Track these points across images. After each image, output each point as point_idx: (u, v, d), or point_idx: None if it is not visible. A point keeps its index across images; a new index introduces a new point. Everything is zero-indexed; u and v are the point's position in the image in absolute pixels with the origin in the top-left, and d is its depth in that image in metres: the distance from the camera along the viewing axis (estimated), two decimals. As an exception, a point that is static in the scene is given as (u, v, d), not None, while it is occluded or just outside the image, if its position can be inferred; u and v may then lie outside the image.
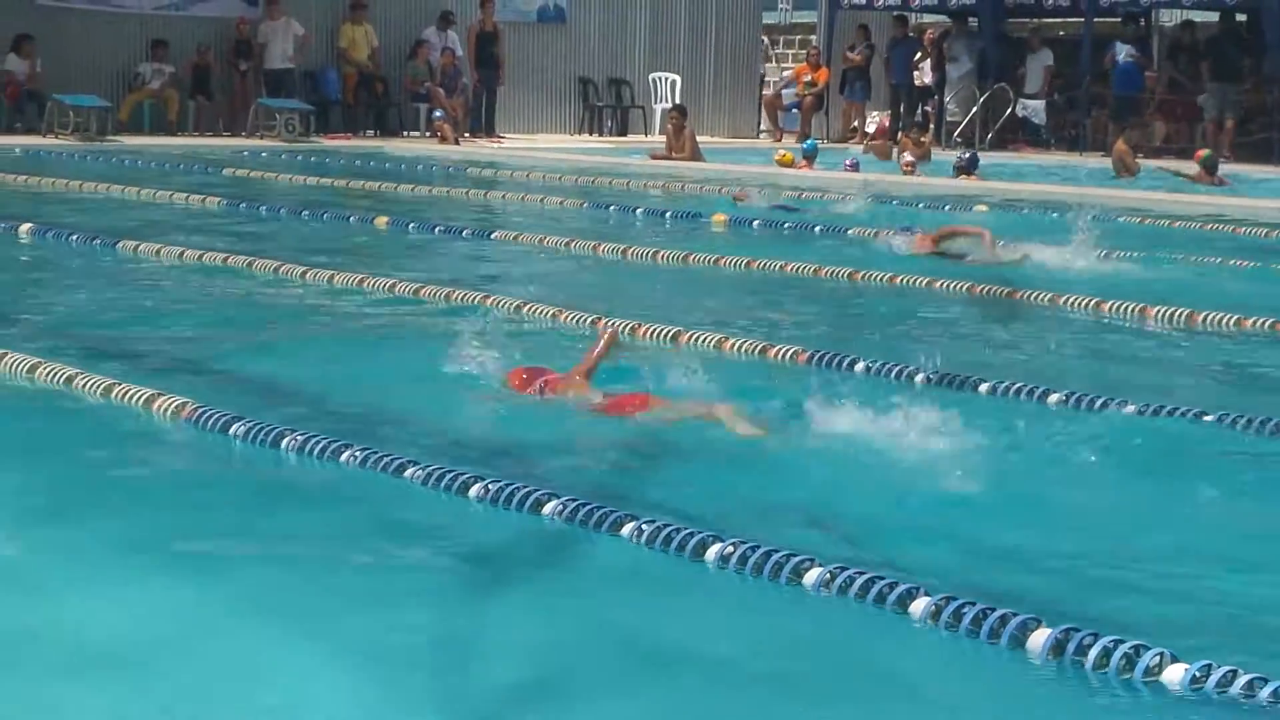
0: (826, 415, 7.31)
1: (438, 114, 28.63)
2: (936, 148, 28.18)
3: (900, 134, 28.30)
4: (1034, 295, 11.79)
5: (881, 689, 4.74)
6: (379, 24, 30.22)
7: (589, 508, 5.85)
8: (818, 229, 16.57)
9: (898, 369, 8.71)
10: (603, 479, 6.73)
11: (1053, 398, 8.17)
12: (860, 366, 8.86)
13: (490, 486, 6.12)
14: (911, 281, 12.32)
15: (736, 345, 9.41)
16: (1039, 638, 4.79)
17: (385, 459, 6.51)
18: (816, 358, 9.06)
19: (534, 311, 10.34)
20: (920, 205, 19.23)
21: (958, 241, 14.56)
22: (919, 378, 8.49)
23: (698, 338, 9.58)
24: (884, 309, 11.87)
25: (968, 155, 23.81)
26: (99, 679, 4.54)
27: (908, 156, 24.17)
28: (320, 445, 6.74)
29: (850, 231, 16.13)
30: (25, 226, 14.03)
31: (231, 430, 7.03)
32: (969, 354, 9.67)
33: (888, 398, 7.41)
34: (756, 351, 9.30)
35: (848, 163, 24.48)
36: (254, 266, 12.13)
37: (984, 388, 8.39)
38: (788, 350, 9.23)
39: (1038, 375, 8.67)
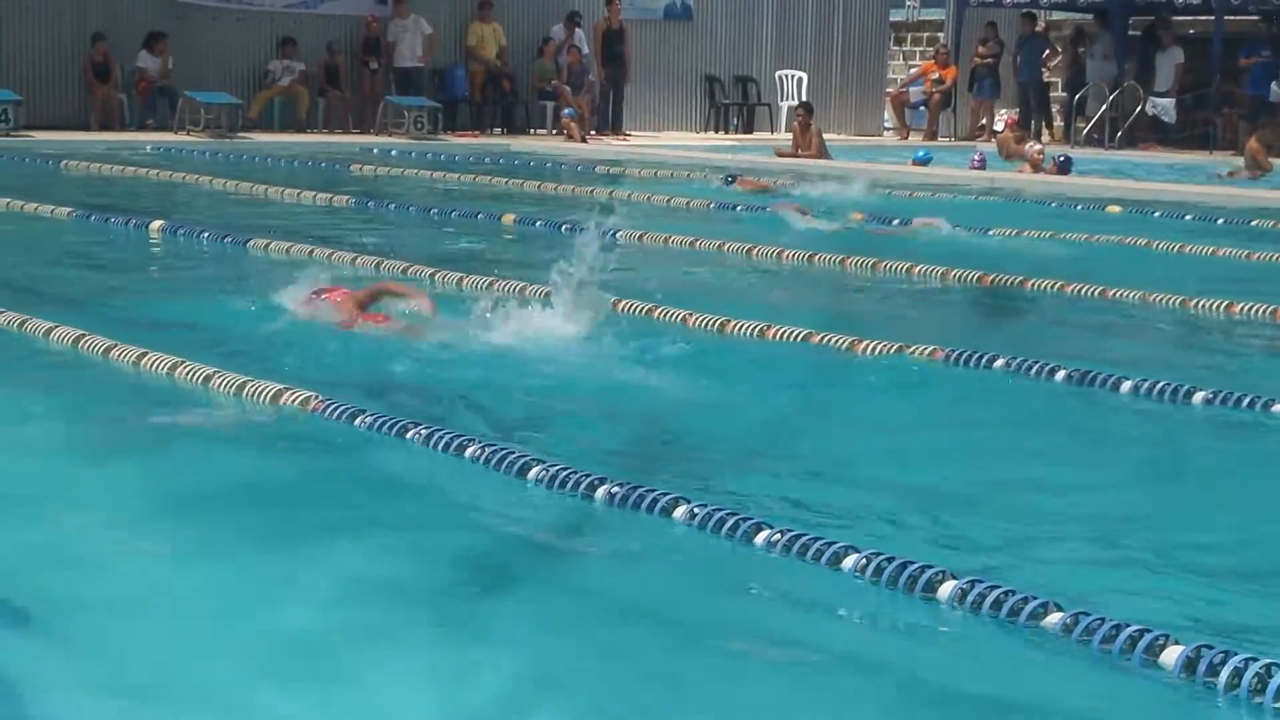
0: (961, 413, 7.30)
1: (567, 111, 28.69)
2: (1064, 146, 27.94)
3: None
4: (1162, 298, 11.69)
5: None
6: (506, 22, 30.34)
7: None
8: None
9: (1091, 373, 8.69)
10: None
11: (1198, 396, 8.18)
12: (1000, 363, 8.83)
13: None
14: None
15: (869, 347, 9.39)
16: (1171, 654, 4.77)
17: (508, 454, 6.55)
18: (954, 357, 9.03)
19: (664, 315, 10.33)
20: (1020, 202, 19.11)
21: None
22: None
23: (829, 339, 9.57)
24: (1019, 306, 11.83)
25: (1062, 158, 23.61)
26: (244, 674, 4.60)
27: (1036, 146, 24.07)
28: (446, 440, 6.79)
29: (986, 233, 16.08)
30: (156, 224, 14.17)
31: (356, 422, 7.13)
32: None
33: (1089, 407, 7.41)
34: (892, 351, 9.27)
35: (975, 158, 24.35)
36: (381, 267, 12.18)
37: (1126, 386, 8.37)
38: (924, 349, 9.19)
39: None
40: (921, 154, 25.46)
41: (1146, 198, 20.12)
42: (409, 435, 6.92)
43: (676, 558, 5.76)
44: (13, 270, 11.74)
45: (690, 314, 10.20)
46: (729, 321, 9.97)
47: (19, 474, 6.59)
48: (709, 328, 10.00)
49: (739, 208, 18.12)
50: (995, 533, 6.17)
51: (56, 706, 4.35)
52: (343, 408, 7.29)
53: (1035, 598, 5.01)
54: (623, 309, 10.46)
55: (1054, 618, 4.92)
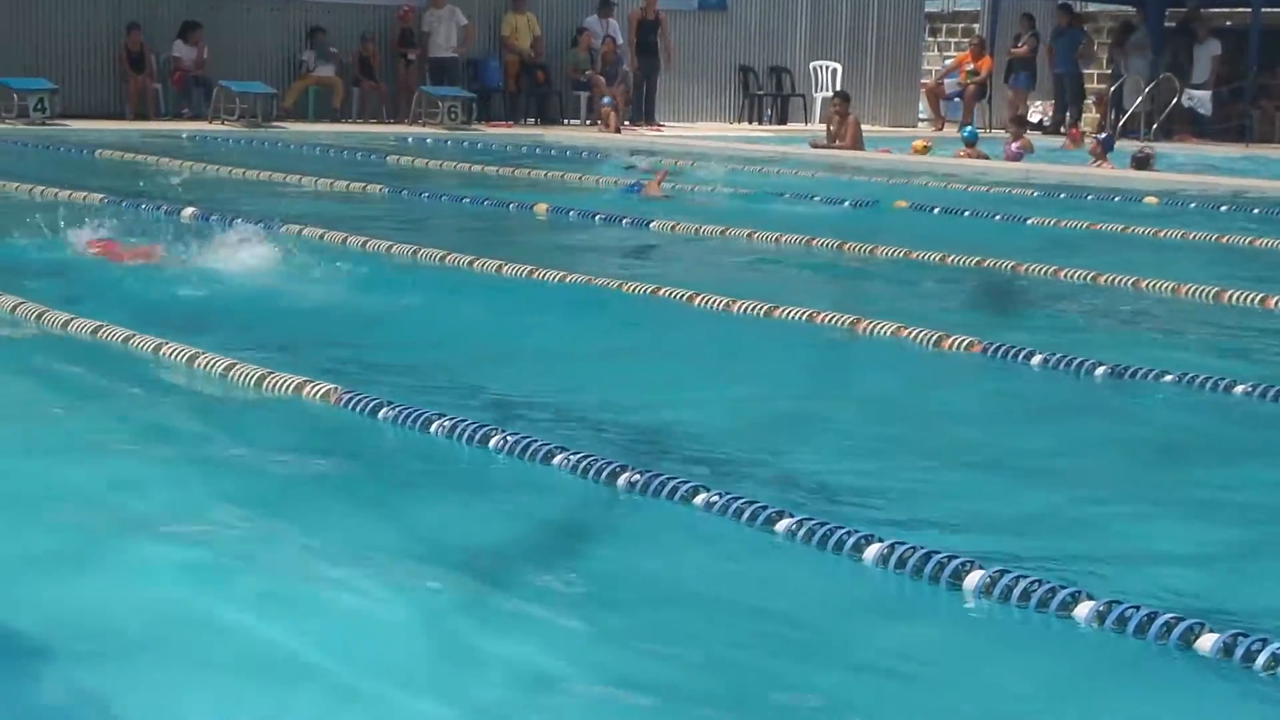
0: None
1: (606, 100, 28.68)
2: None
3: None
4: (1196, 290, 11.63)
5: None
6: (541, 12, 30.35)
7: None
8: (966, 213, 16.57)
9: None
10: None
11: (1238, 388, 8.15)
12: (1037, 359, 8.80)
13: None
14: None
15: (915, 335, 9.37)
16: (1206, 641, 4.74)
17: (536, 445, 6.54)
18: (991, 350, 9.01)
19: (705, 302, 10.32)
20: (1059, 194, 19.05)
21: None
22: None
23: (874, 326, 9.54)
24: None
25: (1102, 137, 23.64)
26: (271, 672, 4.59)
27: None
28: (470, 430, 6.78)
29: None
30: (188, 210, 14.18)
31: (380, 414, 7.12)
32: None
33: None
34: (931, 342, 9.25)
35: (1014, 147, 24.33)
36: (419, 255, 12.17)
37: (1169, 378, 8.34)
38: (962, 341, 9.16)
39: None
40: (968, 131, 25.48)
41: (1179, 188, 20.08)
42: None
43: (706, 544, 5.74)
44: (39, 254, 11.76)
45: (732, 300, 10.20)
46: (776, 308, 9.98)
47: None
48: (753, 312, 9.99)
49: (786, 195, 18.16)
50: (1024, 523, 6.14)
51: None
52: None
53: (1065, 587, 4.98)
54: (634, 290, 10.48)
55: (1084, 607, 4.89)
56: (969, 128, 26.57)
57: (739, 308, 10.10)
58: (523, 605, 5.08)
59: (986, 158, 23.75)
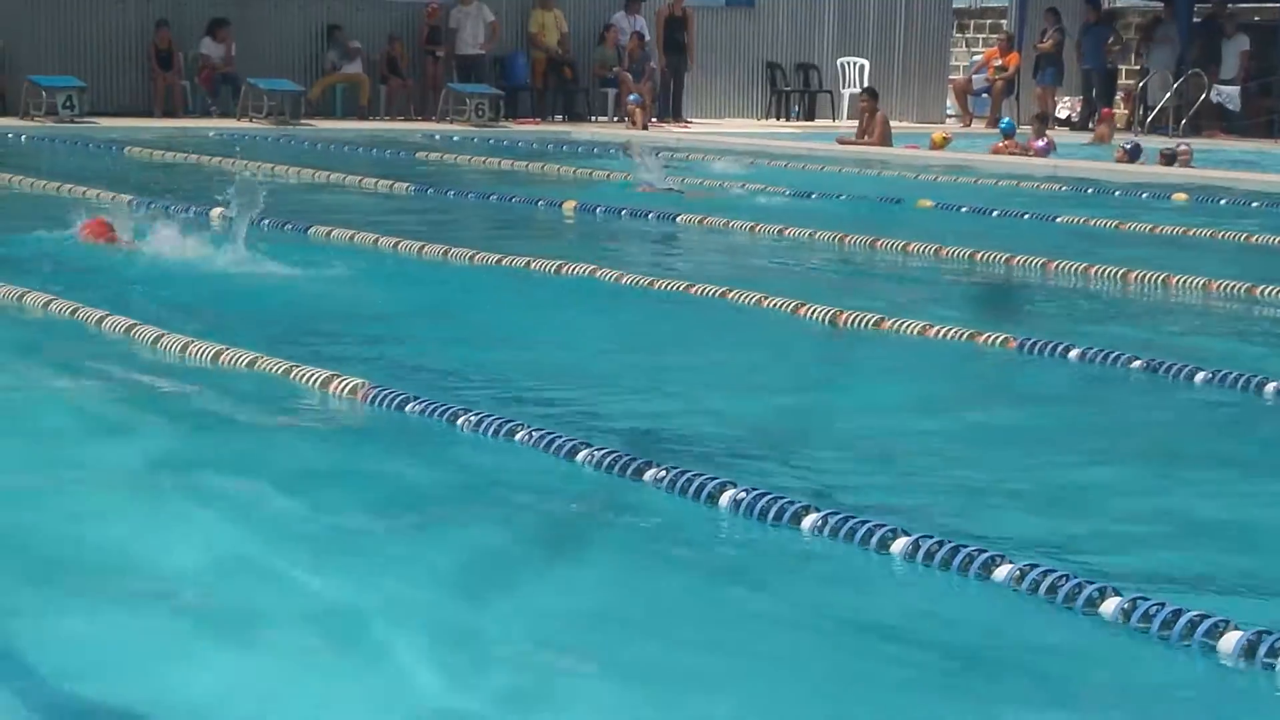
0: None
1: (633, 97, 28.66)
2: (1127, 133, 27.82)
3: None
4: (1227, 286, 11.60)
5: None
6: (568, 9, 30.34)
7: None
8: (995, 213, 16.55)
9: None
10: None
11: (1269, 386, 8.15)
12: (1074, 353, 8.78)
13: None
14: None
15: (942, 332, 9.35)
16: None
17: (560, 440, 6.53)
18: (1027, 345, 8.99)
19: (739, 298, 10.32)
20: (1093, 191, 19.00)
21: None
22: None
23: (902, 325, 9.52)
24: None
25: (1131, 145, 23.54)
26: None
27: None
28: (496, 426, 6.77)
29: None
30: (217, 210, 14.18)
31: (407, 409, 7.12)
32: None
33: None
34: (964, 338, 9.23)
35: (1040, 144, 24.29)
36: (450, 255, 12.16)
37: (1200, 376, 8.33)
38: (996, 337, 9.14)
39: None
40: (1005, 124, 25.42)
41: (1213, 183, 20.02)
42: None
43: (735, 542, 5.73)
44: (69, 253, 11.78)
45: (763, 296, 10.19)
46: (801, 305, 9.97)
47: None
48: (783, 309, 9.99)
49: (814, 194, 18.14)
50: (1057, 519, 6.12)
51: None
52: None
53: (1092, 582, 4.96)
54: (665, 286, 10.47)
55: (1110, 603, 4.87)
56: (1006, 120, 26.45)
57: (770, 304, 10.09)
58: (544, 599, 5.08)
59: (1027, 152, 23.71)
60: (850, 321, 9.67)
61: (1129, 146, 23.28)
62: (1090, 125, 30.35)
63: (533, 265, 11.52)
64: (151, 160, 20.50)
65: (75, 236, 11.93)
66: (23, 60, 26.11)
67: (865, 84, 31.32)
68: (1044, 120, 26.14)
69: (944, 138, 25.13)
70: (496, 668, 4.57)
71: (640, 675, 4.55)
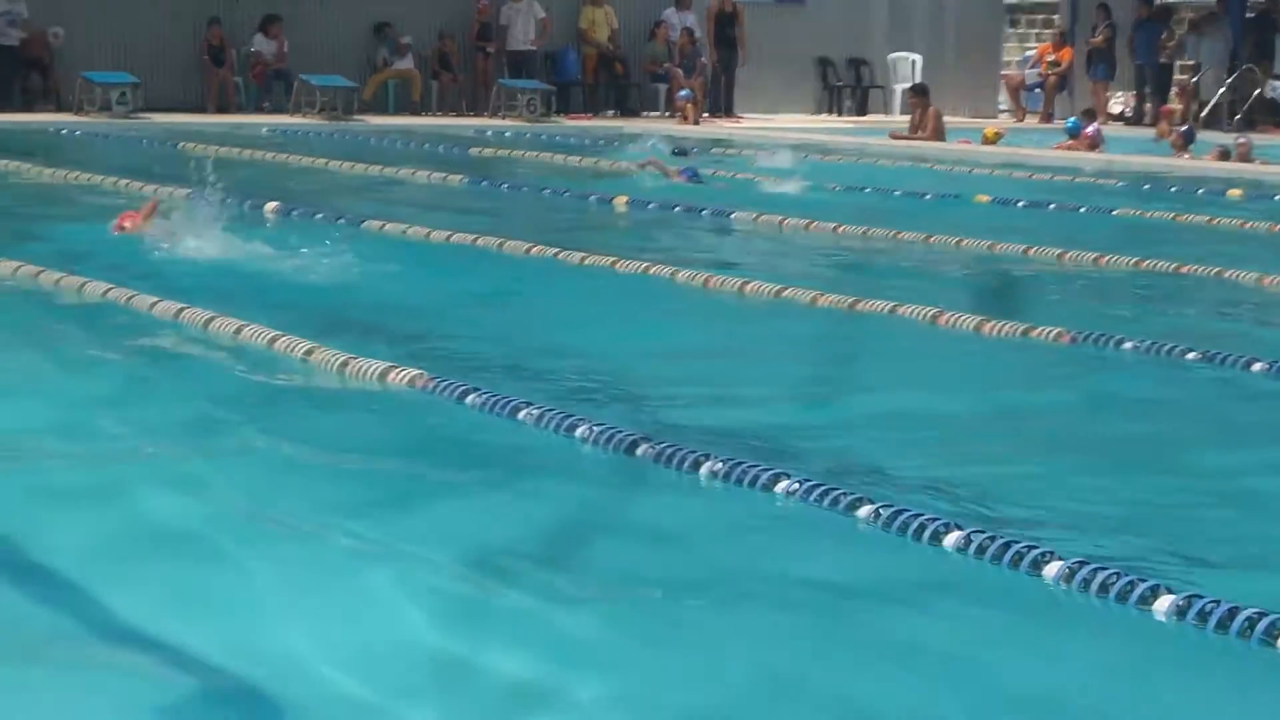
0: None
1: (684, 93, 28.64)
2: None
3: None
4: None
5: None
6: (618, 5, 30.36)
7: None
8: (1052, 206, 16.52)
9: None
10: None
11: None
12: (1128, 346, 8.75)
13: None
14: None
15: (996, 328, 9.33)
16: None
17: (619, 434, 6.53)
18: (1082, 338, 8.96)
19: (792, 294, 10.31)
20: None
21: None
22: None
23: (956, 320, 9.49)
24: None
25: (1184, 129, 23.48)
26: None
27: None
28: (556, 420, 6.77)
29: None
30: (271, 205, 14.23)
31: (468, 400, 7.12)
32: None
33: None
34: (1018, 333, 9.21)
35: (1091, 129, 24.23)
36: (504, 248, 12.17)
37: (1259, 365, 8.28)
38: (1050, 332, 9.11)
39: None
40: (1072, 123, 25.33)
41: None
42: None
43: (784, 529, 5.72)
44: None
45: (820, 294, 10.18)
46: (859, 300, 9.95)
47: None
48: (839, 306, 9.97)
49: (868, 188, 18.14)
50: (1112, 515, 6.09)
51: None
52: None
53: (1145, 580, 4.93)
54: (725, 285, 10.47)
55: (1164, 601, 4.84)
56: (1072, 120, 26.27)
57: (825, 301, 10.07)
58: (603, 589, 5.08)
59: (1094, 146, 23.61)
60: (910, 314, 9.66)
61: (1183, 129, 23.22)
62: (1145, 121, 30.24)
63: (587, 260, 11.52)
64: (205, 156, 20.55)
65: (111, 230, 12.00)
66: (77, 57, 26.23)
67: (917, 79, 31.26)
68: (1091, 115, 26.04)
69: (996, 133, 25.08)
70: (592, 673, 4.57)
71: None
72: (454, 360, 8.32)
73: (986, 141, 24.56)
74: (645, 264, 11.36)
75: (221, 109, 26.94)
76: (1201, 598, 4.80)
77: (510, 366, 8.37)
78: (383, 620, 4.79)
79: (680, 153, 20.92)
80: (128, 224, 11.90)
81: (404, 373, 7.49)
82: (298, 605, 4.88)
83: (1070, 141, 24.28)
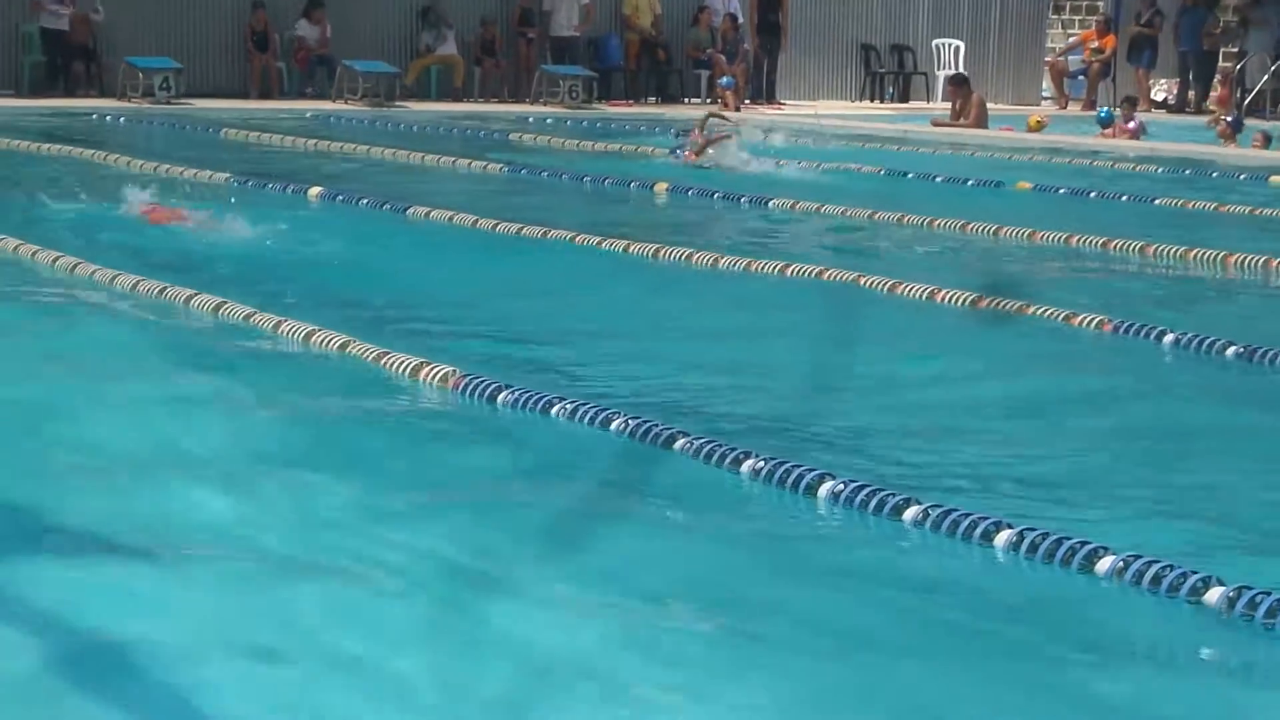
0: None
1: (725, 81, 28.59)
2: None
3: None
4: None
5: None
6: (662, -9, 30.35)
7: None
8: (1092, 194, 16.48)
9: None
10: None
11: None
12: (1169, 338, 8.73)
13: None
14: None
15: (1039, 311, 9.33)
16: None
17: (656, 429, 6.53)
18: (1121, 328, 8.95)
19: (835, 277, 10.31)
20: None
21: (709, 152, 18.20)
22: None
23: (999, 304, 9.49)
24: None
25: (1230, 119, 23.39)
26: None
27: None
28: (591, 414, 6.78)
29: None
30: (315, 190, 14.27)
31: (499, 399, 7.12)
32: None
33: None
34: (1061, 318, 9.20)
35: (1132, 124, 24.15)
36: (548, 236, 12.18)
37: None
38: (1092, 319, 9.10)
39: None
40: (1104, 113, 25.23)
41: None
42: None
43: (821, 526, 5.73)
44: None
45: (860, 275, 10.18)
46: (899, 284, 9.95)
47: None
48: (879, 289, 9.97)
49: (910, 174, 18.14)
50: (1157, 509, 6.10)
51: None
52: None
53: (1195, 573, 4.94)
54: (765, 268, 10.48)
55: (1214, 593, 4.85)
56: (1105, 110, 26.15)
57: (866, 282, 10.07)
58: (637, 579, 5.10)
59: (1136, 136, 23.56)
60: (948, 299, 9.66)
61: (1230, 119, 23.12)
62: (1188, 109, 30.15)
63: (631, 249, 11.52)
64: (248, 141, 20.62)
65: (145, 218, 12.19)
66: (120, 42, 26.29)
67: (960, 66, 31.17)
68: (1133, 103, 25.95)
69: (1040, 121, 24.99)
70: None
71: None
72: (492, 350, 8.35)
73: (1031, 130, 24.48)
74: (688, 251, 11.38)
75: (264, 95, 26.98)
76: (1251, 589, 4.80)
77: (555, 355, 8.40)
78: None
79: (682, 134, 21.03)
80: (152, 214, 12.18)
81: (437, 369, 7.48)
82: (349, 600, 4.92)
83: (1104, 132, 24.16)
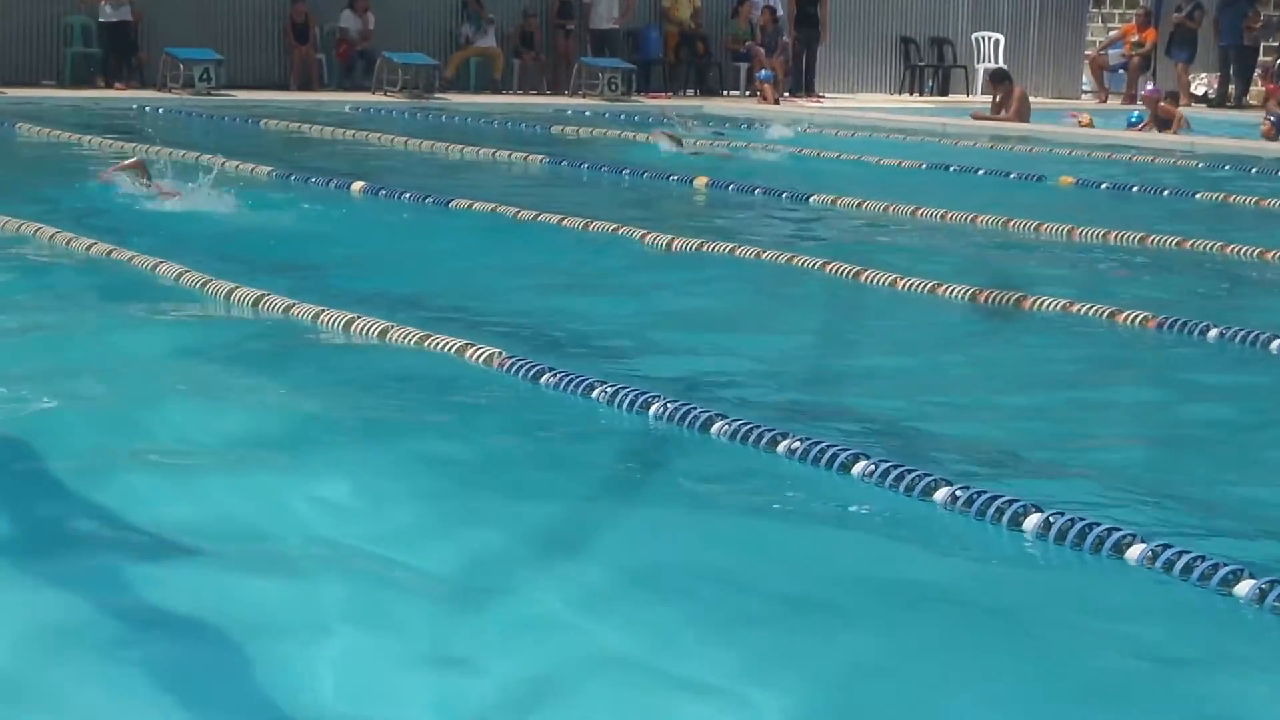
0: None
1: (763, 74, 28.60)
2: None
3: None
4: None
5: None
6: (701, -16, 30.35)
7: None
8: (1134, 188, 16.41)
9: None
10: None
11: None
12: (1213, 333, 8.72)
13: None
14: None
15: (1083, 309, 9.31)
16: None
17: (695, 411, 6.56)
18: (1167, 324, 8.94)
19: (872, 279, 10.30)
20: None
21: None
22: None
23: (1044, 303, 9.47)
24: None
25: (1275, 119, 23.28)
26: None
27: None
28: (630, 398, 6.81)
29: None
30: (357, 185, 14.30)
31: (542, 380, 7.16)
32: None
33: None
34: (1106, 315, 9.19)
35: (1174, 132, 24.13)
36: (590, 228, 12.20)
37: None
38: (1136, 316, 9.09)
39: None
40: (1135, 116, 25.19)
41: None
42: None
43: (855, 513, 5.74)
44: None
45: (899, 277, 10.17)
46: (940, 285, 9.95)
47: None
48: (919, 290, 9.96)
49: (952, 167, 18.12)
50: (1191, 501, 6.10)
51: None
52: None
53: (1225, 564, 4.93)
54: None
55: (1245, 585, 4.85)
56: (1135, 113, 26.05)
57: (905, 285, 10.06)
58: (678, 568, 5.12)
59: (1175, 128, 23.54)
60: (990, 299, 9.65)
61: (1274, 119, 23.02)
62: (1227, 103, 30.06)
63: (675, 245, 11.52)
64: (288, 133, 20.69)
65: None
66: (160, 33, 26.39)
67: (1000, 59, 31.12)
68: (1175, 98, 25.87)
69: (1088, 122, 24.89)
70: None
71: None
72: (538, 338, 8.38)
73: (1083, 126, 24.43)
74: (730, 244, 11.39)
75: (303, 86, 27.05)
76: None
77: (589, 345, 8.42)
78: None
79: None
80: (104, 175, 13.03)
81: (481, 350, 7.53)
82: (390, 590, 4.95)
83: (1142, 126, 24.11)
